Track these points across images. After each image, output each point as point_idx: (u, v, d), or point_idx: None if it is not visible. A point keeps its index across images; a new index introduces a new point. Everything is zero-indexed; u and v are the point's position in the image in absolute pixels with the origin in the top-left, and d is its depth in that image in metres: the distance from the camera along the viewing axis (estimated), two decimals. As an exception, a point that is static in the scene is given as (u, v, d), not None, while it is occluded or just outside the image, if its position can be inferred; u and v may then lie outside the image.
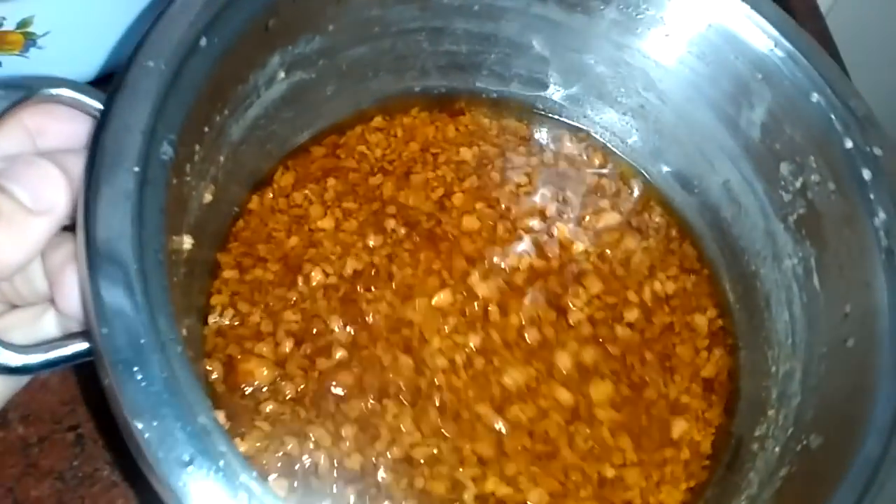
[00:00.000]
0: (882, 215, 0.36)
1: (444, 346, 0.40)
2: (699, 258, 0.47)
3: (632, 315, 0.44)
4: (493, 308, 0.42)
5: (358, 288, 0.41)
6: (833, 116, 0.38)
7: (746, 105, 0.42)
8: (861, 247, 0.37)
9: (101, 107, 0.30)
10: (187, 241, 0.35)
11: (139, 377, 0.26)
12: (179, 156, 0.31)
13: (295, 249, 0.42)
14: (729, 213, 0.45)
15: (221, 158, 0.38)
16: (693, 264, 0.46)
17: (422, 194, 0.45)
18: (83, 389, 0.41)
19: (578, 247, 0.45)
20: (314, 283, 0.41)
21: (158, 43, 0.30)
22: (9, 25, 0.41)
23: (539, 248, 0.44)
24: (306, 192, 0.43)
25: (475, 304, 0.42)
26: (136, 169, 0.28)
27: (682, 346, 0.44)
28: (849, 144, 0.38)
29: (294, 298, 0.40)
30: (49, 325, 0.30)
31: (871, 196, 0.37)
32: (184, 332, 0.33)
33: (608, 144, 0.48)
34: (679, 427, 0.41)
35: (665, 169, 0.47)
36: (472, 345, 0.41)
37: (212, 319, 0.39)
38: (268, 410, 0.38)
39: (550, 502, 0.38)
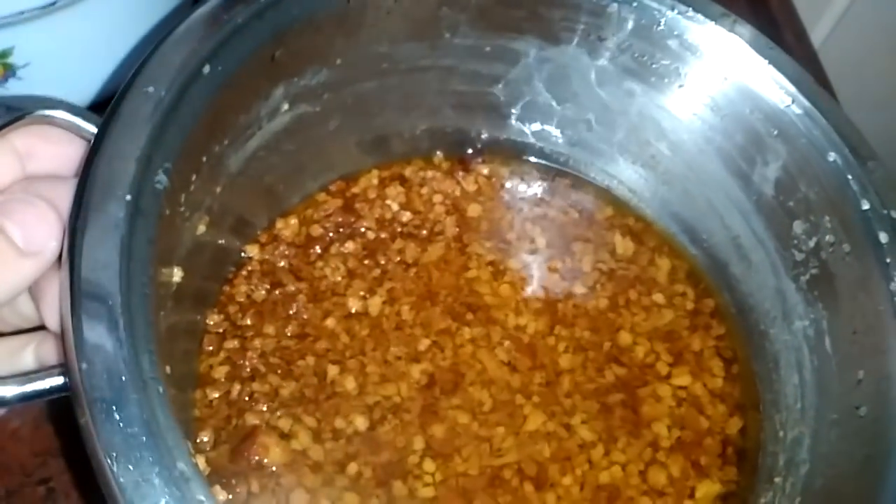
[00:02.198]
0: (900, 282, 0.35)
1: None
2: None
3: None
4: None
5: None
6: (850, 177, 0.37)
7: (760, 160, 0.41)
8: (876, 312, 0.36)
9: (95, 131, 0.28)
10: (177, 274, 0.34)
11: (117, 417, 0.24)
12: (175, 185, 0.30)
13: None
14: (738, 269, 0.44)
15: (218, 189, 0.36)
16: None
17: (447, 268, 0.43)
18: (57, 440, 0.39)
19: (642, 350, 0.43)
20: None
21: (159, 68, 0.30)
22: None
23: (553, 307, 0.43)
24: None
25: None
26: (128, 198, 0.27)
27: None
28: (865, 206, 0.37)
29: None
30: (28, 360, 0.29)
31: (888, 260, 0.36)
32: (168, 369, 0.31)
33: (617, 195, 0.47)
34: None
35: (673, 222, 0.46)
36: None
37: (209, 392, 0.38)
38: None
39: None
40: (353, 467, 0.37)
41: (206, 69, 0.31)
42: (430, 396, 0.39)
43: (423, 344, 0.40)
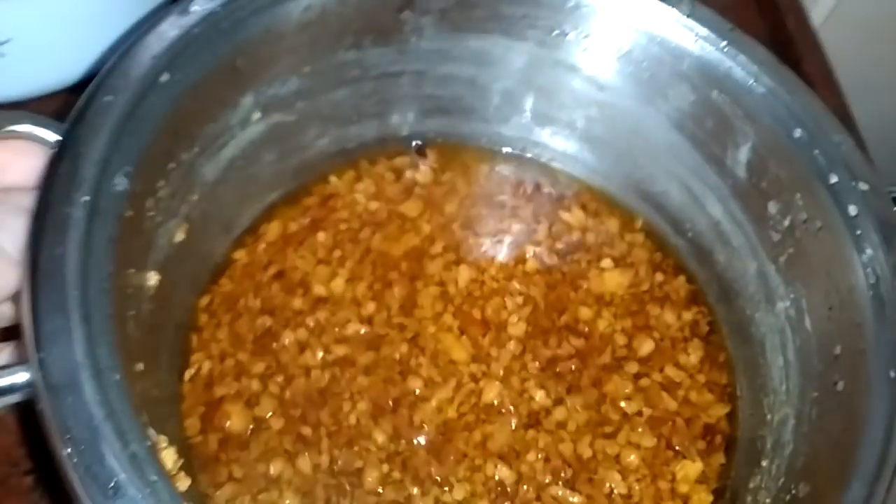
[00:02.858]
0: (869, 251, 0.35)
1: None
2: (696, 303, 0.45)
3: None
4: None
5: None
6: (816, 152, 0.37)
7: (731, 144, 0.41)
8: (849, 286, 0.35)
9: (60, 139, 0.30)
10: (153, 277, 0.35)
11: (70, 400, 0.25)
12: (137, 189, 0.31)
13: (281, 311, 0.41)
14: (722, 255, 0.44)
15: (194, 197, 0.38)
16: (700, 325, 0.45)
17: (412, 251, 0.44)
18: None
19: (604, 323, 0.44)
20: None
21: (119, 78, 0.31)
22: None
23: (535, 301, 0.43)
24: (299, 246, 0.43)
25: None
26: (87, 198, 0.29)
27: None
28: (833, 180, 0.36)
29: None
30: (2, 360, 0.30)
31: (858, 232, 0.35)
32: (140, 366, 0.33)
33: (599, 189, 0.47)
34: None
35: (657, 213, 0.46)
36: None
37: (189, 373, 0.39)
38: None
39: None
40: (306, 430, 0.38)
41: (165, 77, 0.32)
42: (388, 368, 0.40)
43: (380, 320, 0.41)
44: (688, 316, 0.44)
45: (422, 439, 0.38)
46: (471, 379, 0.40)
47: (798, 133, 0.37)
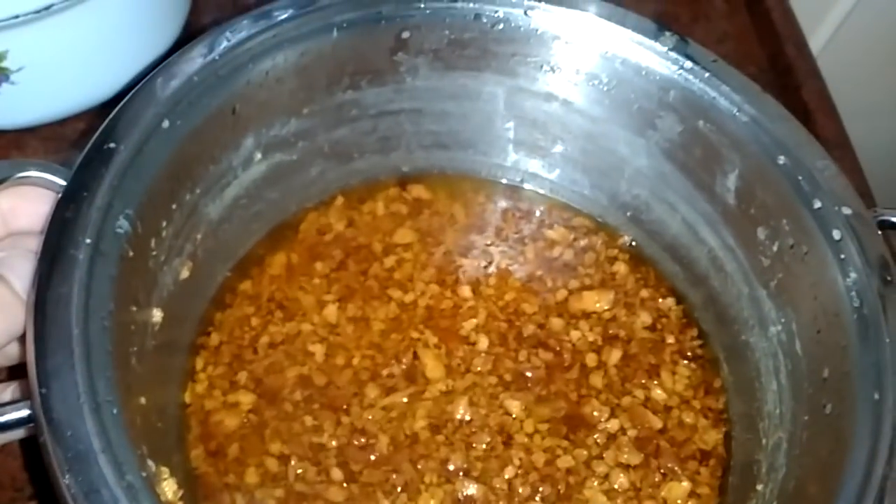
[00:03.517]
0: (853, 275, 0.35)
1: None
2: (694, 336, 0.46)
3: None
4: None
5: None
6: (800, 178, 0.38)
7: (720, 171, 0.41)
8: (835, 309, 0.36)
9: (62, 184, 0.32)
10: (157, 315, 0.37)
11: (69, 434, 0.27)
12: (139, 231, 0.33)
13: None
14: (717, 281, 0.44)
15: (199, 236, 0.40)
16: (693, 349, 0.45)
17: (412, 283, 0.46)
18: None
19: (578, 338, 0.45)
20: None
21: (121, 125, 0.33)
22: None
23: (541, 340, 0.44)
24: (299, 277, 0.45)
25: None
26: (88, 241, 0.30)
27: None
28: (818, 205, 0.37)
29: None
30: (6, 398, 0.32)
31: (842, 256, 0.36)
32: (142, 400, 0.34)
33: (591, 216, 0.48)
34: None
35: (652, 240, 0.47)
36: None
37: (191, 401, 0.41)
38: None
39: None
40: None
41: (165, 124, 0.34)
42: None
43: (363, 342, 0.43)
44: (680, 338, 0.45)
45: (383, 449, 0.40)
46: (442, 394, 0.42)
47: (782, 160, 0.38)
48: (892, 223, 0.39)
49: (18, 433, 0.29)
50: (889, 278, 0.35)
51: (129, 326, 0.33)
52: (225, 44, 0.37)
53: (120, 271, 0.31)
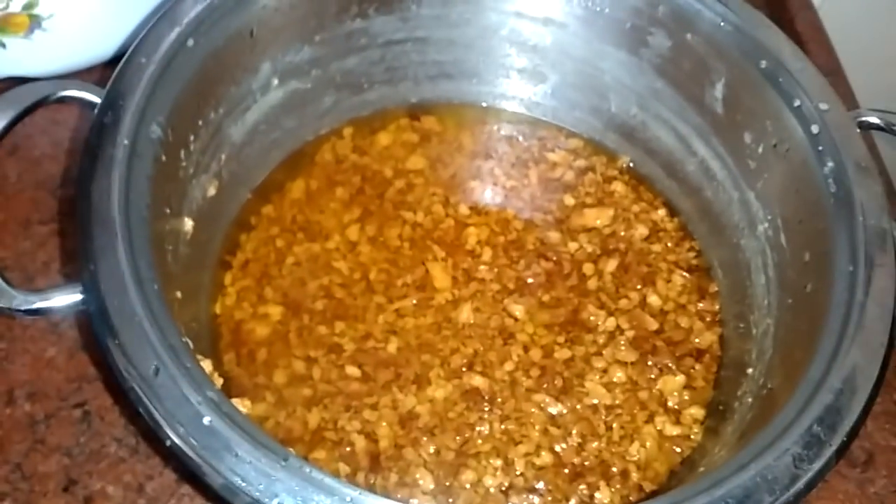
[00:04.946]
0: (830, 164, 0.38)
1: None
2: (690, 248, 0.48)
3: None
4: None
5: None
6: (781, 79, 0.40)
7: (708, 83, 0.44)
8: (816, 197, 0.39)
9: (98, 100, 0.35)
10: (188, 223, 0.40)
11: (116, 302, 0.30)
12: (170, 138, 0.36)
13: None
14: (710, 191, 0.47)
15: (223, 156, 0.43)
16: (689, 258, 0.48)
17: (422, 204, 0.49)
18: (89, 368, 0.43)
19: (576, 249, 0.48)
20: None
21: (150, 43, 0.36)
22: (14, 7, 0.45)
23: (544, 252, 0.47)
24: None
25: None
26: (126, 142, 0.34)
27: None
28: (797, 103, 0.40)
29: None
30: None
31: (820, 148, 0.39)
32: (178, 294, 0.37)
33: (590, 138, 0.51)
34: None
35: (650, 157, 0.50)
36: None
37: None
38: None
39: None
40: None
41: (190, 42, 0.37)
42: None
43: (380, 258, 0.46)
44: (676, 250, 0.47)
45: (393, 350, 0.43)
46: (448, 302, 0.45)
47: (764, 64, 0.41)
48: (872, 123, 0.41)
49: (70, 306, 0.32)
50: (863, 164, 0.37)
51: (165, 227, 0.37)
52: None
53: (154, 173, 0.35)
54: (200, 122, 0.39)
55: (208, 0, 0.38)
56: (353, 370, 0.42)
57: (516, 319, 0.44)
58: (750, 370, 0.41)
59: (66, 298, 0.33)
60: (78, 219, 0.32)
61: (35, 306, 0.32)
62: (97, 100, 0.36)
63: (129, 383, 0.29)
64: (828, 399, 0.31)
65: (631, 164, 0.50)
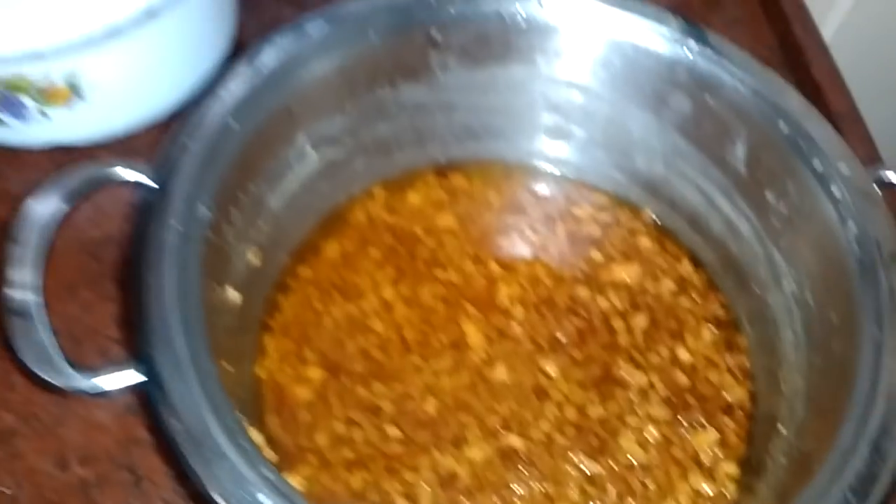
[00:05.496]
0: (853, 227, 0.39)
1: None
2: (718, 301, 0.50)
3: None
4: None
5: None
6: (800, 141, 0.42)
7: (729, 142, 0.45)
8: (839, 258, 0.40)
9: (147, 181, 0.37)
10: (234, 294, 0.42)
11: (176, 386, 0.32)
12: (217, 217, 0.38)
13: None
14: (734, 246, 0.48)
15: (263, 226, 0.44)
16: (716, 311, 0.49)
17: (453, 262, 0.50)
18: (138, 431, 0.45)
19: (606, 305, 0.49)
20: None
21: (195, 125, 0.38)
22: (56, 79, 0.48)
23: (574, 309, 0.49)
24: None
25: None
26: (176, 225, 0.36)
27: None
28: (817, 165, 0.41)
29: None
30: None
31: (842, 210, 0.40)
32: (228, 366, 0.39)
33: (614, 193, 0.52)
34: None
35: (673, 211, 0.51)
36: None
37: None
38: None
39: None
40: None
41: (233, 123, 0.39)
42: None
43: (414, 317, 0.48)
44: (703, 303, 0.48)
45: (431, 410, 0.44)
46: (483, 360, 0.46)
47: (783, 126, 0.42)
48: (892, 183, 0.42)
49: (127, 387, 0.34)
50: (884, 225, 0.38)
51: (213, 301, 0.38)
52: (276, 53, 0.42)
53: (203, 252, 0.36)
54: (242, 196, 0.41)
55: (247, 83, 0.40)
56: (393, 431, 0.43)
57: (550, 378, 0.45)
58: (781, 427, 0.42)
59: (124, 379, 0.34)
60: (134, 305, 0.34)
61: (95, 387, 0.34)
62: (146, 181, 0.38)
63: (188, 462, 0.31)
64: (859, 466, 0.32)
65: (656, 218, 0.52)
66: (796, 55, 0.66)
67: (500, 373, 0.45)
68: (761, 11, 0.70)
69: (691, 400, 0.45)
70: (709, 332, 0.47)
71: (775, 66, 0.66)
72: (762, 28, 0.69)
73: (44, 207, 0.36)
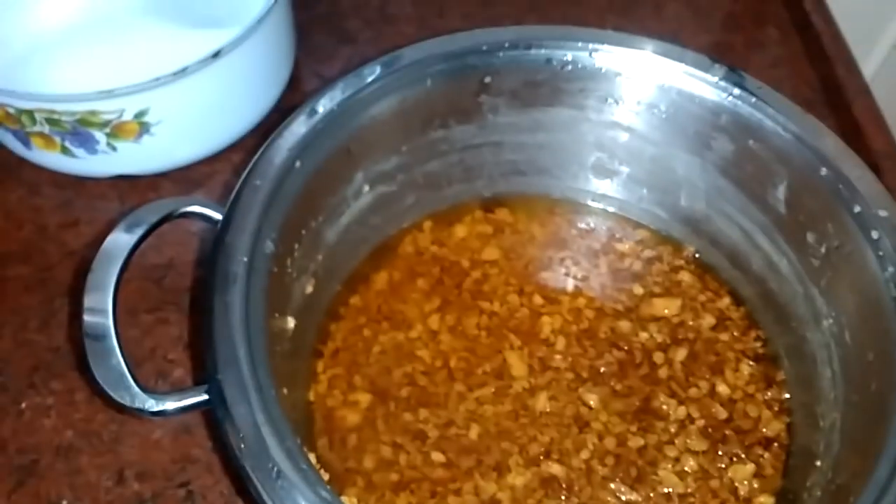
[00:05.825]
0: (891, 269, 0.40)
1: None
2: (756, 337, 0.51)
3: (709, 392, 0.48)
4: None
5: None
6: (840, 186, 0.43)
7: (770, 184, 0.47)
8: (878, 299, 0.41)
9: (221, 217, 0.40)
10: (291, 322, 0.44)
11: (241, 409, 0.34)
12: (280, 251, 0.40)
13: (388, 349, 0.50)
14: (774, 283, 0.49)
15: (319, 257, 0.47)
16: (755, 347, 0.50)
17: (498, 294, 0.52)
18: (193, 449, 0.47)
19: (647, 338, 0.50)
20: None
21: (263, 166, 0.41)
22: (127, 116, 0.52)
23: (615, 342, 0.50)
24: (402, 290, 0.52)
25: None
26: (245, 259, 0.38)
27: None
28: (857, 209, 0.42)
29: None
30: None
31: (881, 253, 0.41)
32: (284, 391, 0.41)
33: (657, 230, 0.54)
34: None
35: (714, 248, 0.52)
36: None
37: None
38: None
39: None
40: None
41: (297, 164, 0.41)
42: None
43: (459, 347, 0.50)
44: (742, 339, 0.50)
45: (474, 437, 0.46)
46: (525, 389, 0.48)
47: (824, 171, 0.43)
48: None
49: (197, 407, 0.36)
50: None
51: (274, 329, 0.40)
52: (337, 98, 0.44)
53: (267, 284, 0.39)
54: (303, 231, 0.44)
55: (312, 125, 0.42)
56: (437, 456, 0.45)
57: (590, 408, 0.47)
58: (818, 462, 0.43)
59: (191, 401, 0.37)
60: (203, 331, 0.36)
61: (164, 408, 0.37)
62: (216, 216, 0.41)
63: (251, 481, 0.33)
64: (894, 501, 0.33)
65: (697, 255, 0.53)
66: (838, 95, 0.67)
67: (542, 402, 0.47)
68: (803, 51, 0.71)
69: (729, 432, 0.46)
70: (747, 367, 0.49)
71: (817, 105, 0.68)
72: (804, 68, 0.70)
73: (122, 238, 0.39)
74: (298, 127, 0.42)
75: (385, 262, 0.53)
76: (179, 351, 0.51)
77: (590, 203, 0.55)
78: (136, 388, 0.37)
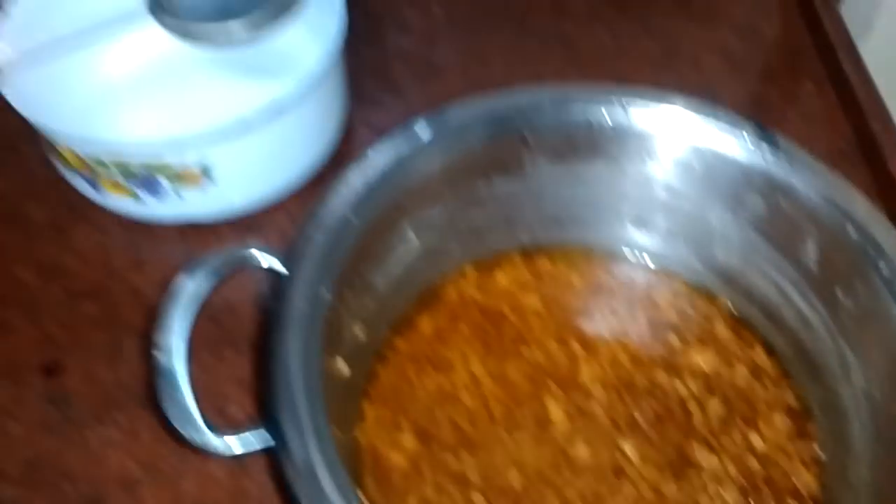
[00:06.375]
0: (917, 328, 0.42)
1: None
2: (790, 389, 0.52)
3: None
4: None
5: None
6: (868, 247, 0.45)
7: (801, 241, 0.49)
8: (905, 358, 0.42)
9: (281, 268, 0.43)
10: (344, 367, 0.47)
11: (300, 453, 0.37)
12: (334, 298, 0.43)
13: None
14: (806, 337, 0.51)
15: (369, 303, 0.50)
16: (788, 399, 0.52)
17: (538, 340, 0.54)
18: (248, 486, 0.50)
19: (682, 389, 0.52)
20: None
21: (321, 219, 0.44)
22: (191, 164, 0.56)
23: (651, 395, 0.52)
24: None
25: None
26: (303, 307, 0.41)
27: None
28: (884, 269, 0.44)
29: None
30: None
31: (907, 312, 0.42)
32: (336, 430, 0.44)
33: (693, 283, 0.56)
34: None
35: (748, 301, 0.54)
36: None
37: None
38: None
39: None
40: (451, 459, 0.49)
41: (352, 218, 0.45)
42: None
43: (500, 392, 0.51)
44: (775, 391, 0.51)
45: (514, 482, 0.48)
46: (563, 435, 0.50)
47: (851, 231, 0.45)
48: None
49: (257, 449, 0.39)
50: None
51: (327, 373, 0.43)
52: (388, 154, 0.48)
53: (323, 329, 0.41)
54: (356, 279, 0.47)
55: (366, 179, 0.46)
56: (478, 499, 0.47)
57: (627, 457, 0.49)
58: (849, 515, 0.44)
59: (254, 441, 0.39)
60: (266, 377, 0.39)
61: (230, 451, 0.39)
62: (278, 265, 0.44)
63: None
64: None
65: (731, 307, 0.55)
66: (873, 149, 0.68)
67: (580, 449, 0.49)
68: (838, 104, 0.73)
69: (762, 485, 0.47)
70: (781, 420, 0.50)
71: (852, 158, 0.69)
72: (839, 121, 0.72)
73: (191, 283, 0.42)
74: (354, 181, 0.46)
75: (430, 308, 0.56)
76: (239, 389, 0.54)
77: (627, 254, 0.57)
78: (204, 427, 0.40)
